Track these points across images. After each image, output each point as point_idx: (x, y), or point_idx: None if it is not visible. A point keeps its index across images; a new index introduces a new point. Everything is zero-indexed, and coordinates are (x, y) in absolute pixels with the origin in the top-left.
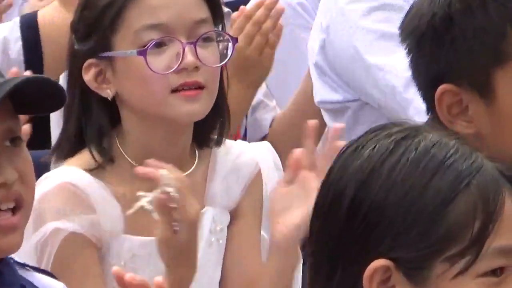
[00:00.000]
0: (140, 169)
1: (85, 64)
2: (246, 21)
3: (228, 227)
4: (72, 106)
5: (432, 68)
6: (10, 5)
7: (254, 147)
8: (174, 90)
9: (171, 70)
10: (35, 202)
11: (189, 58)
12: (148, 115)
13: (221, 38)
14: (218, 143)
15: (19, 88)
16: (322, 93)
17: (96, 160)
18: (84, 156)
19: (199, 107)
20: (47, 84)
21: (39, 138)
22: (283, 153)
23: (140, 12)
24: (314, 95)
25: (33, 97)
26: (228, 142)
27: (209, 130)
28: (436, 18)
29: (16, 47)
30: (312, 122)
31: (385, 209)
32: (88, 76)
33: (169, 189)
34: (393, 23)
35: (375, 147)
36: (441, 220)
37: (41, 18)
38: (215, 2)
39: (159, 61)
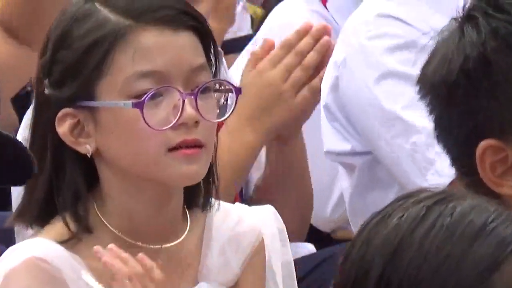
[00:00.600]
0: (102, 255)
1: (59, 114)
2: (284, 52)
3: None
4: (41, 163)
5: (468, 122)
6: None
7: (256, 212)
8: (171, 149)
9: (169, 126)
10: None
11: (190, 111)
12: (136, 176)
13: (222, 88)
14: (204, 206)
15: None
16: (331, 141)
17: (70, 230)
18: (56, 225)
19: (198, 168)
20: (11, 149)
21: None
22: None
23: (132, 55)
24: (323, 143)
25: None
26: (225, 206)
27: (200, 191)
28: (469, 61)
29: None
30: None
31: (418, 284)
32: (62, 128)
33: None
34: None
35: (403, 215)
36: None
37: None
38: (212, 44)
39: (155, 115)
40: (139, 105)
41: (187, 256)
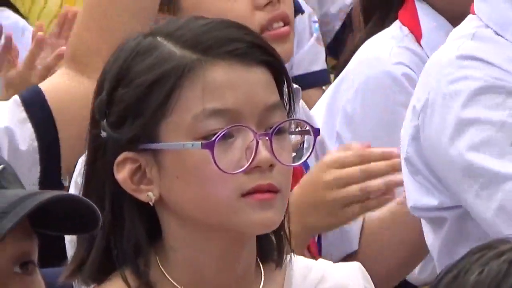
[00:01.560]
0: None
1: (118, 159)
2: (356, 160)
3: None
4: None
5: None
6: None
7: (341, 269)
8: (244, 194)
9: (242, 169)
10: None
11: (264, 154)
12: (203, 224)
13: (298, 129)
14: (279, 260)
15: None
16: (415, 196)
17: (130, 287)
18: (114, 282)
19: (273, 214)
20: (78, 204)
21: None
22: None
23: (201, 92)
24: (407, 199)
25: (58, 216)
26: (307, 262)
27: (273, 243)
28: None
29: (24, 134)
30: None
31: None
32: (122, 174)
33: None
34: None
35: (482, 271)
36: None
37: (49, 92)
38: (286, 81)
39: (226, 157)
40: (209, 146)
41: None
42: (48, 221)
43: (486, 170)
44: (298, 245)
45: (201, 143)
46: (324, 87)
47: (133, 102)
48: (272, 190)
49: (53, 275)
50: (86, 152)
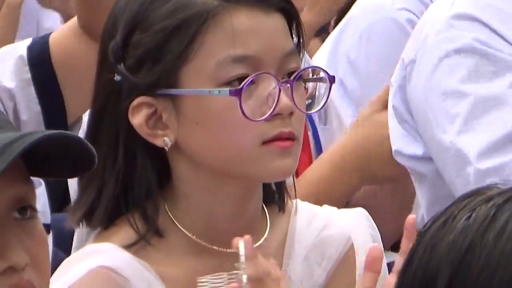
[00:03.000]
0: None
1: (134, 103)
2: None
3: None
4: (109, 159)
5: None
6: None
7: (346, 215)
8: (265, 141)
9: (266, 116)
10: None
11: (286, 101)
12: (219, 171)
13: (314, 76)
14: (281, 205)
15: (36, 146)
16: (400, 143)
17: (139, 233)
18: (122, 227)
19: (292, 162)
20: (72, 143)
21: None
22: None
23: (224, 38)
24: (391, 143)
25: (53, 157)
26: (311, 208)
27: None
28: None
29: (27, 98)
30: (411, 219)
31: None
32: (138, 119)
33: (243, 276)
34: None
35: (470, 216)
36: None
37: (55, 49)
38: (300, 28)
39: (250, 104)
40: (237, 93)
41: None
42: (43, 165)
43: (453, 147)
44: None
45: (229, 90)
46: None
47: (153, 47)
48: (291, 137)
49: (56, 220)
50: (93, 97)
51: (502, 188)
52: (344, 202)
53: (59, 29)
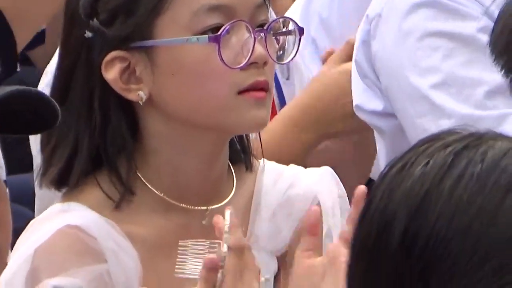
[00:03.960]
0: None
1: (107, 58)
2: None
3: (275, 277)
4: (86, 115)
5: None
6: None
7: (312, 174)
8: (241, 91)
9: (242, 64)
10: (28, 257)
11: (260, 50)
12: (194, 124)
13: (283, 29)
14: (248, 164)
15: None
16: (361, 98)
17: (109, 192)
18: (91, 186)
19: (266, 113)
20: (34, 99)
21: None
22: None
23: None
24: (353, 97)
25: (15, 113)
26: (278, 167)
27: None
28: None
29: None
30: (361, 189)
31: (448, 241)
32: (112, 74)
33: (225, 245)
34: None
35: (428, 162)
36: None
37: None
38: None
39: (226, 53)
40: (216, 40)
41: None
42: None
43: (426, 100)
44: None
45: (208, 36)
46: None
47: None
48: (265, 87)
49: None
50: (61, 55)
51: (461, 134)
52: (299, 161)
53: None
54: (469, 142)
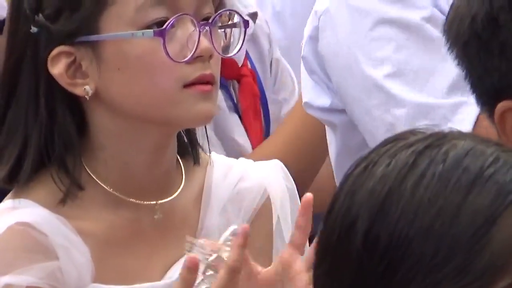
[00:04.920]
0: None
1: (53, 53)
2: None
3: None
4: (33, 111)
5: (484, 81)
6: None
7: (262, 167)
8: (187, 85)
9: (187, 58)
10: None
11: (206, 44)
12: (138, 119)
13: (229, 22)
14: (195, 157)
15: None
16: (310, 94)
17: (58, 188)
18: (40, 182)
19: (212, 106)
20: None
21: None
22: None
23: None
24: (302, 95)
25: None
26: (227, 161)
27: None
28: (478, 20)
29: None
30: (308, 198)
31: (410, 241)
32: (57, 69)
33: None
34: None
35: (390, 163)
36: (483, 248)
37: None
38: None
39: (172, 47)
40: (161, 34)
41: (184, 214)
42: None
43: (380, 90)
44: None
45: (153, 30)
46: None
47: None
48: (211, 81)
49: None
50: (7, 51)
51: (424, 133)
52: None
53: None
54: (432, 141)
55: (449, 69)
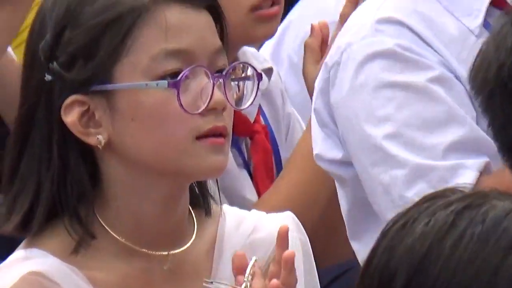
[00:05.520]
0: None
1: (67, 101)
2: None
3: None
4: (47, 159)
5: (508, 131)
6: None
7: (274, 219)
8: (199, 136)
9: (201, 110)
10: None
11: (220, 96)
12: (153, 169)
13: (243, 74)
14: (207, 209)
15: None
16: (321, 146)
17: (70, 237)
18: (53, 231)
19: (224, 159)
20: None
21: None
22: None
23: (157, 32)
24: (313, 146)
25: None
26: (239, 212)
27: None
28: (505, 69)
29: None
30: (284, 228)
31: None
32: (71, 117)
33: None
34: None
35: (429, 221)
36: None
37: None
38: (225, 28)
39: (185, 98)
40: (176, 85)
41: (196, 264)
42: None
43: (379, 149)
44: None
45: (167, 81)
46: None
47: (86, 43)
48: (224, 133)
49: None
50: (21, 98)
51: (462, 192)
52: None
53: None
54: (471, 201)
55: (451, 130)
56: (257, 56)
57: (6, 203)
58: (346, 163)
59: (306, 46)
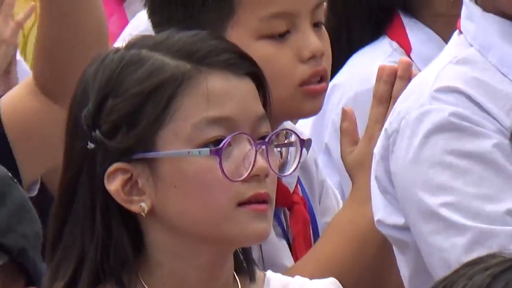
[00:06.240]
0: None
1: (109, 170)
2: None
3: None
4: (90, 226)
5: None
6: None
7: (317, 285)
8: (241, 203)
9: (243, 177)
10: None
11: (262, 163)
12: (195, 235)
13: (286, 140)
14: (251, 274)
15: None
16: (382, 213)
17: None
18: None
19: (267, 226)
20: None
21: None
22: None
23: (198, 100)
24: (374, 212)
25: None
26: (283, 279)
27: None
28: None
29: None
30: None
31: None
32: (114, 185)
33: None
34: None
35: (466, 284)
36: None
37: (5, 107)
38: (268, 94)
39: (227, 165)
40: (218, 153)
41: None
42: None
43: (437, 217)
44: None
45: (210, 149)
46: None
47: (128, 111)
48: (267, 199)
49: None
50: (64, 167)
51: (503, 257)
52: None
53: (12, 89)
54: (510, 265)
55: (510, 196)
56: (294, 128)
57: (49, 271)
58: (408, 228)
59: (342, 130)
